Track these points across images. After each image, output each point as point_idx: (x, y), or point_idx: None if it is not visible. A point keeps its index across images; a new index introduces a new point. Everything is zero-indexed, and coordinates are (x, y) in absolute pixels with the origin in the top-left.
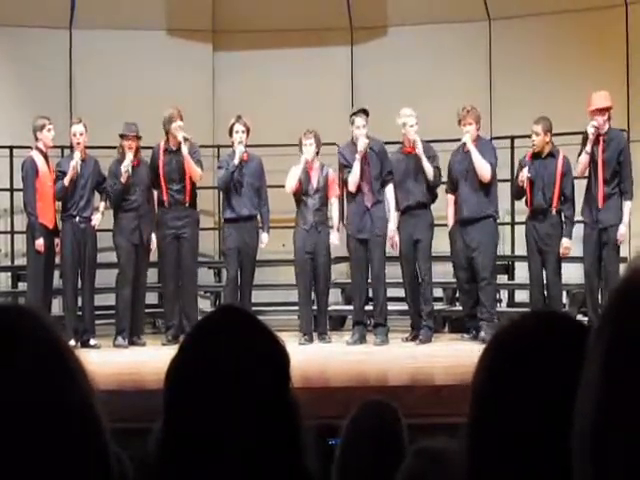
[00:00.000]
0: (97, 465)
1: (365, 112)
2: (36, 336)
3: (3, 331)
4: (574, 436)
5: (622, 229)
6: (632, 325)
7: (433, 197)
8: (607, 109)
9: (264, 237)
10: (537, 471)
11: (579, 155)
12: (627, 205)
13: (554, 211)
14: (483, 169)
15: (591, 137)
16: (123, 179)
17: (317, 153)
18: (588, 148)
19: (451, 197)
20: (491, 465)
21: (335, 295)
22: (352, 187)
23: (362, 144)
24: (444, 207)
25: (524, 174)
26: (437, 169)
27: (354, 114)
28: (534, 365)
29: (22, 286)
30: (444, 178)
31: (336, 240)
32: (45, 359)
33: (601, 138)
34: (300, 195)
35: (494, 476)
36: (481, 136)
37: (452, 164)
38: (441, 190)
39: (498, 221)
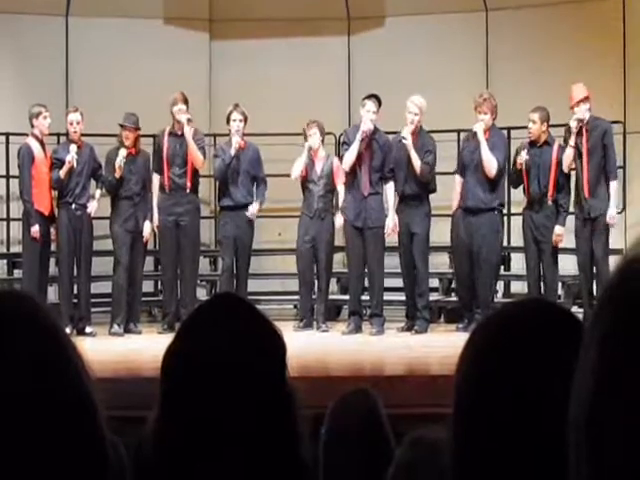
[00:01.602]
0: (94, 452)
1: (378, 99)
2: (35, 322)
3: (2, 316)
4: (570, 423)
5: (612, 211)
6: (630, 311)
7: (430, 189)
8: (587, 98)
9: (254, 205)
10: (522, 459)
11: (564, 150)
12: (613, 185)
13: (550, 201)
14: (490, 165)
15: (574, 130)
16: (117, 174)
17: (322, 142)
18: (572, 142)
19: (459, 180)
20: (476, 454)
21: (331, 284)
22: (346, 165)
23: (365, 125)
24: (443, 197)
25: (522, 157)
26: (428, 165)
27: (366, 97)
28: (518, 353)
29: (18, 273)
30: (443, 168)
31: (340, 224)
32: (43, 345)
33: (584, 128)
34: (305, 183)
35: (479, 465)
36: (495, 126)
37: (463, 149)
38: (441, 180)
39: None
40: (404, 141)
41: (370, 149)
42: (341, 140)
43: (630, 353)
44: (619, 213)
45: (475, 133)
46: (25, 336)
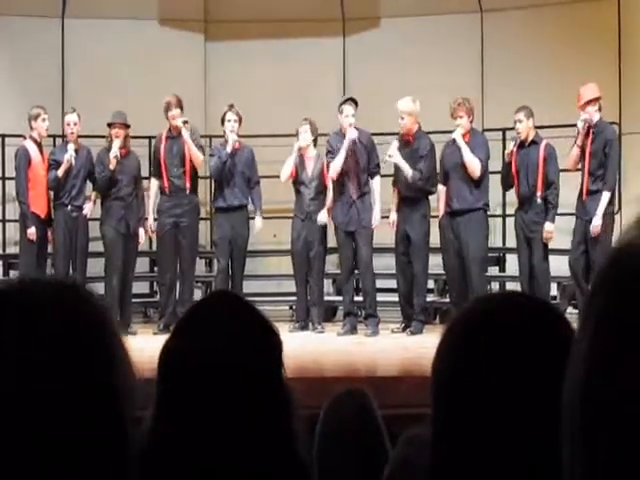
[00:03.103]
0: (119, 448)
1: (354, 101)
2: (95, 318)
3: (69, 310)
4: (563, 409)
5: (595, 220)
6: (622, 293)
7: (428, 191)
8: (596, 99)
9: (258, 221)
10: (500, 458)
11: (550, 148)
12: (605, 195)
13: (539, 199)
14: (473, 166)
15: (582, 131)
16: (112, 165)
17: (314, 142)
18: (579, 141)
19: (442, 188)
20: (455, 452)
21: (326, 285)
22: (333, 173)
23: (351, 133)
24: (435, 200)
25: (510, 147)
26: (419, 172)
27: (343, 103)
28: (490, 348)
29: (14, 274)
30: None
31: (324, 218)
32: (81, 339)
33: (591, 130)
34: (296, 184)
35: (458, 463)
36: (474, 128)
37: (443, 156)
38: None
39: (489, 213)
40: (389, 159)
41: (355, 153)
42: (326, 148)
43: (624, 337)
44: (615, 214)
45: (454, 140)
46: (62, 327)
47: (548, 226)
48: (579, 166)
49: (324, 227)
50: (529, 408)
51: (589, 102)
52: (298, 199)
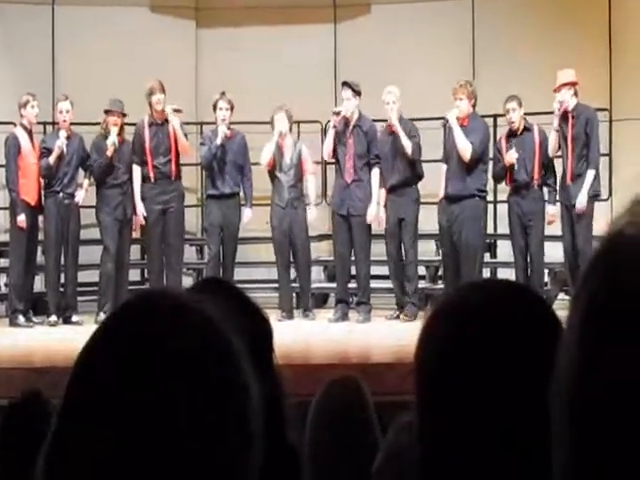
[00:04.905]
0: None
1: (348, 85)
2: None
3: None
4: (551, 400)
5: (580, 198)
6: (613, 279)
7: (418, 175)
8: (572, 84)
9: (247, 212)
10: (489, 449)
11: (543, 133)
12: (590, 174)
13: (536, 185)
14: (463, 149)
15: (557, 113)
16: (109, 152)
17: (290, 129)
18: (555, 125)
19: (445, 167)
20: (442, 444)
21: (317, 272)
22: (324, 154)
23: (337, 109)
24: (430, 185)
25: (512, 155)
26: (417, 145)
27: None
28: (479, 337)
29: (4, 262)
30: (431, 155)
31: (312, 217)
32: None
33: (569, 115)
34: (274, 172)
35: (446, 455)
36: (475, 113)
37: (446, 137)
38: (429, 167)
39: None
40: (393, 123)
41: (354, 136)
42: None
43: (610, 327)
44: (605, 200)
45: (447, 120)
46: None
47: (551, 209)
48: (558, 152)
49: (305, 214)
50: (518, 399)
51: (564, 85)
52: (276, 187)
